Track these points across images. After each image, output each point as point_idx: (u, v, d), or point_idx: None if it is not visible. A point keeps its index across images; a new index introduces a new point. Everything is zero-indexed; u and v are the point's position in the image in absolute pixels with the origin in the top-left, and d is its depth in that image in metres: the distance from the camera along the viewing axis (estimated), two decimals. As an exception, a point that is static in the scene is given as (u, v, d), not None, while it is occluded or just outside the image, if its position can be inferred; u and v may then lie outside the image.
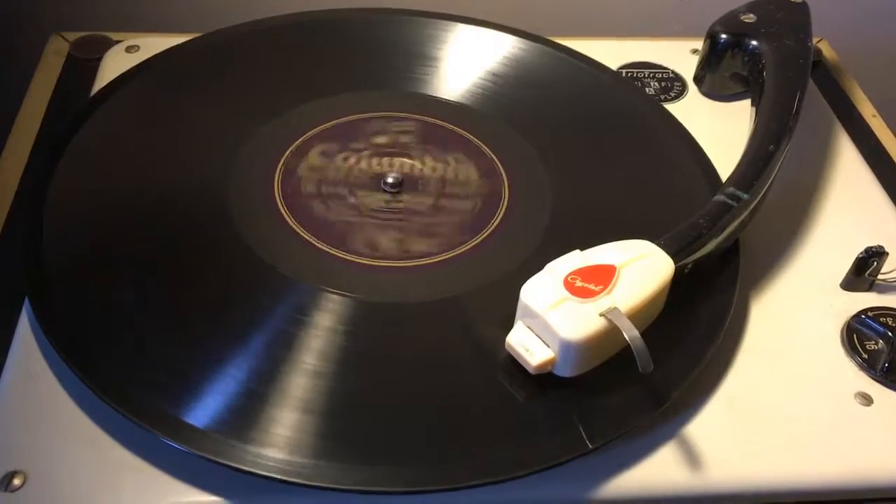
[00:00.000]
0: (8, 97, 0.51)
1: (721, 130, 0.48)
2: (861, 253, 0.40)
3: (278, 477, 0.30)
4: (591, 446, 0.32)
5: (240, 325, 0.35)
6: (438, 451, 0.32)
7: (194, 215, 0.40)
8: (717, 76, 0.51)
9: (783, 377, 0.37)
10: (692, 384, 0.35)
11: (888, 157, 0.50)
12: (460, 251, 0.39)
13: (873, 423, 0.36)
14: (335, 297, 0.36)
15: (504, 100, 0.47)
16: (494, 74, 0.49)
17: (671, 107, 0.50)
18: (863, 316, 0.39)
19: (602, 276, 0.33)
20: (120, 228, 0.39)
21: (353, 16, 0.52)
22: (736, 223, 0.38)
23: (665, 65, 0.54)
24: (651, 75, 0.53)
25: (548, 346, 0.33)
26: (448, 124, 0.46)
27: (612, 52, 0.53)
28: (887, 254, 0.40)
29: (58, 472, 0.32)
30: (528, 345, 0.33)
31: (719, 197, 0.38)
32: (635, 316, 0.32)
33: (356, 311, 0.36)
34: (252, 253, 0.38)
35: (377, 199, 0.42)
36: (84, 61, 0.52)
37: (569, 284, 0.33)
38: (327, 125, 0.45)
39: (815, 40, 0.55)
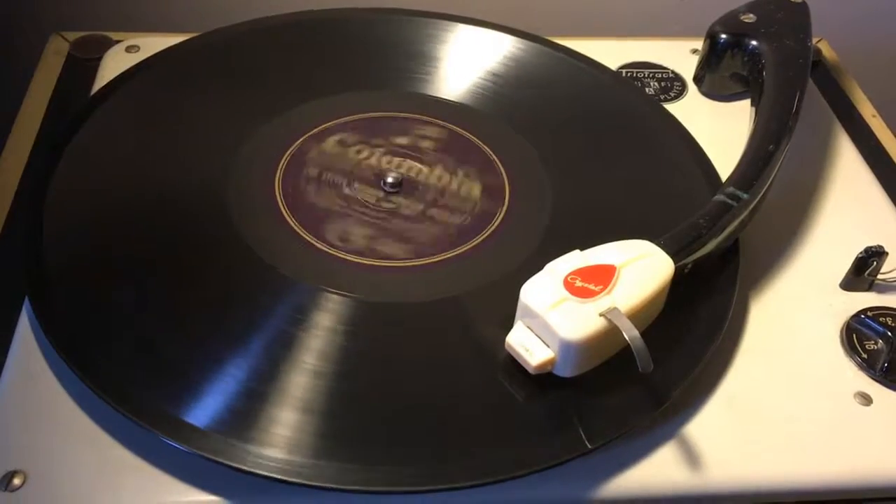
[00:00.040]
0: (8, 97, 0.51)
1: (721, 130, 0.48)
2: (861, 253, 0.40)
3: (278, 477, 0.30)
4: (590, 446, 0.32)
5: (240, 325, 0.35)
6: (438, 451, 0.32)
7: (194, 215, 0.40)
8: (717, 76, 0.51)
9: (783, 377, 0.37)
10: (692, 384, 0.35)
11: (888, 158, 0.50)
12: (460, 251, 0.39)
13: (873, 423, 0.36)
14: (335, 296, 0.36)
15: (504, 100, 0.48)
16: (494, 74, 0.49)
17: (671, 107, 0.50)
18: (862, 316, 0.39)
19: (602, 276, 0.33)
20: (120, 228, 0.39)
21: (353, 15, 0.52)
22: (736, 223, 0.38)
23: (665, 65, 0.54)
24: (651, 75, 0.53)
25: (548, 346, 0.33)
26: (448, 124, 0.46)
27: (611, 52, 0.53)
28: (887, 254, 0.40)
29: (58, 471, 0.32)
30: (528, 345, 0.33)
31: (719, 197, 0.38)
32: (635, 316, 0.32)
33: (356, 311, 0.36)
34: (252, 253, 0.38)
35: (371, 195, 0.42)
36: (84, 61, 0.52)
37: (569, 284, 0.33)
38: (358, 117, 0.45)
39: (814, 40, 0.55)
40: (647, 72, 0.53)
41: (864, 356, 0.38)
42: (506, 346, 0.34)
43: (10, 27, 0.65)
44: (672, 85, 0.53)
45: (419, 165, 0.43)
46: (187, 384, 0.33)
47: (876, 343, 0.38)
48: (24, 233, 0.38)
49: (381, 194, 0.42)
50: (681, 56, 0.55)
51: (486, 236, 0.40)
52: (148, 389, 0.33)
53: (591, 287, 0.33)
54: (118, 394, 0.32)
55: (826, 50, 0.58)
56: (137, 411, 0.32)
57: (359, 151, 0.44)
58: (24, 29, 0.64)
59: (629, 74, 0.53)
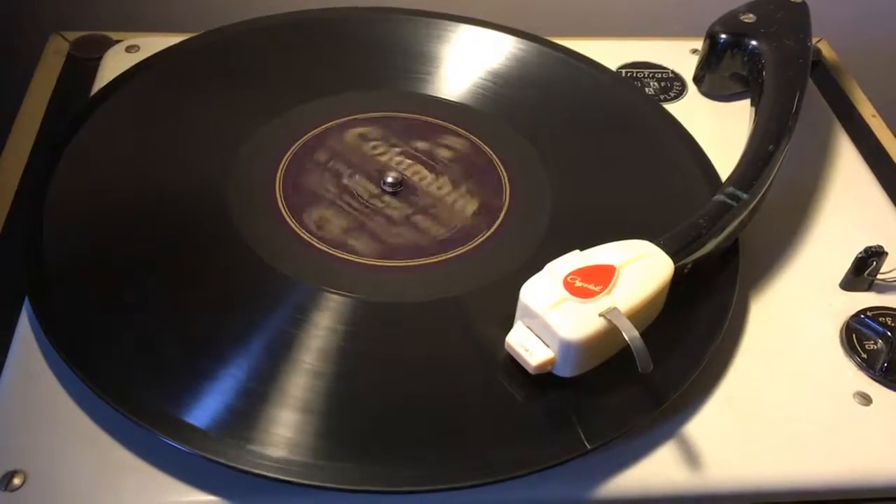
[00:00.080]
0: (8, 97, 0.51)
1: (721, 130, 0.48)
2: (860, 253, 0.40)
3: (278, 477, 0.30)
4: (590, 446, 0.32)
5: (240, 325, 0.35)
6: (438, 451, 0.32)
7: (194, 215, 0.40)
8: (717, 76, 0.51)
9: (782, 377, 0.37)
10: (691, 384, 0.35)
11: (888, 158, 0.50)
12: (460, 251, 0.39)
13: (872, 423, 0.36)
14: (335, 296, 0.36)
15: (504, 100, 0.48)
16: (494, 74, 0.49)
17: (671, 107, 0.50)
18: (862, 316, 0.39)
19: (602, 277, 0.33)
20: (120, 228, 0.39)
21: (352, 15, 0.52)
22: (735, 223, 0.38)
23: (665, 65, 0.54)
24: (651, 75, 0.53)
25: (547, 346, 0.33)
26: (449, 124, 0.46)
27: (611, 52, 0.53)
28: (886, 254, 0.40)
29: (58, 471, 0.32)
30: (528, 345, 0.33)
31: (719, 197, 0.38)
32: (635, 316, 0.33)
33: (356, 311, 0.36)
34: (252, 253, 0.38)
35: (365, 190, 0.42)
36: (84, 61, 0.52)
37: (568, 284, 0.33)
38: (387, 115, 0.46)
39: (814, 40, 0.55)
40: (646, 72, 0.53)
41: (864, 356, 0.38)
42: (505, 346, 0.34)
43: (10, 27, 0.65)
44: (672, 85, 0.53)
45: (427, 172, 0.43)
46: (187, 384, 0.33)
47: (875, 343, 0.38)
48: (24, 233, 0.38)
49: (377, 191, 0.42)
50: (681, 56, 0.55)
51: (487, 237, 0.40)
52: (148, 389, 0.33)
53: (591, 287, 0.33)
54: (118, 394, 0.32)
55: (826, 50, 0.58)
56: (137, 411, 0.32)
57: (375, 147, 0.44)
58: (24, 29, 0.64)
59: (629, 74, 0.53)
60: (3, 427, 0.33)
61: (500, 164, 0.44)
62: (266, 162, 0.43)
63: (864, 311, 0.40)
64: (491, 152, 0.44)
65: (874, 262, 0.40)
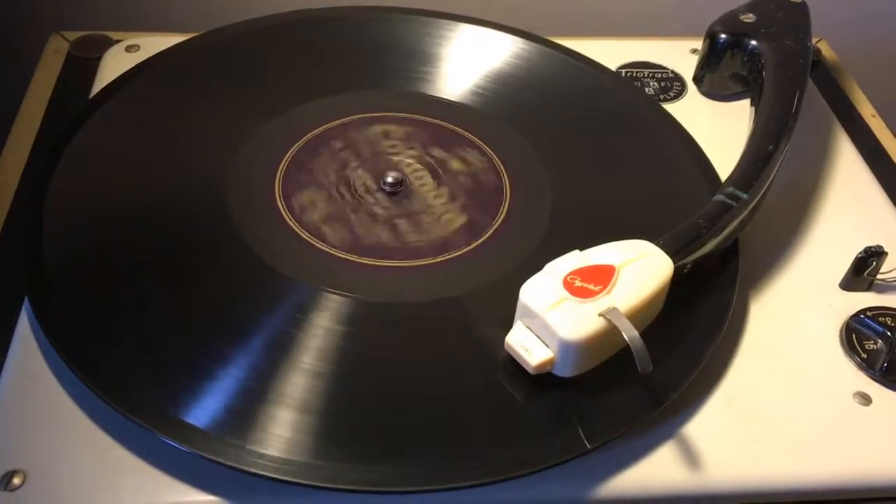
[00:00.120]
0: (8, 96, 0.51)
1: (720, 130, 0.48)
2: (860, 253, 0.40)
3: (277, 477, 0.30)
4: (589, 446, 0.32)
5: (239, 325, 0.35)
6: (437, 451, 0.32)
7: (194, 215, 0.40)
8: (717, 76, 0.51)
9: (782, 377, 0.37)
10: (691, 384, 0.35)
11: (887, 157, 0.50)
12: (461, 251, 0.39)
13: (872, 423, 0.36)
14: (335, 297, 0.36)
15: (504, 100, 0.48)
16: (494, 74, 0.49)
17: (670, 107, 0.50)
18: (862, 316, 0.39)
19: (601, 276, 0.33)
20: (120, 228, 0.39)
21: (352, 14, 0.52)
22: (735, 223, 0.38)
23: (664, 64, 0.54)
24: (650, 75, 0.53)
25: (547, 346, 0.33)
26: (449, 124, 0.46)
27: (611, 52, 0.53)
28: (886, 254, 0.40)
29: (57, 471, 0.32)
30: (528, 345, 0.33)
31: (718, 197, 0.38)
32: (634, 316, 0.33)
33: (356, 311, 0.36)
34: (252, 253, 0.38)
35: (362, 183, 0.42)
36: (84, 60, 0.52)
37: (568, 284, 0.33)
38: (422, 118, 0.46)
39: (814, 40, 0.55)
40: (646, 72, 0.53)
41: (864, 356, 0.38)
42: (505, 346, 0.34)
43: (10, 27, 0.65)
44: (672, 85, 0.53)
45: (431, 180, 0.43)
46: (187, 384, 0.33)
47: (875, 343, 0.38)
48: (24, 233, 0.38)
49: (374, 187, 0.42)
50: (680, 56, 0.55)
51: (487, 237, 0.40)
52: (147, 389, 0.33)
53: (591, 287, 0.33)
54: (118, 394, 0.32)
55: (826, 50, 0.58)
56: (137, 411, 0.32)
57: (392, 146, 0.44)
58: (24, 29, 0.64)
59: (629, 74, 0.53)
60: (3, 427, 0.33)
61: (500, 164, 0.44)
62: (266, 162, 0.43)
63: (863, 311, 0.40)
64: (491, 152, 0.44)
65: (874, 262, 0.40)
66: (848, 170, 0.48)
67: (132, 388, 0.32)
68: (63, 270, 0.37)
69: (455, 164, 0.43)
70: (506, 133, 0.46)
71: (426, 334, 0.36)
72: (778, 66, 0.46)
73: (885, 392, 0.37)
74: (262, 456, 0.31)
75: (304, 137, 0.44)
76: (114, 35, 0.53)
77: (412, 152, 0.44)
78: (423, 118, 0.46)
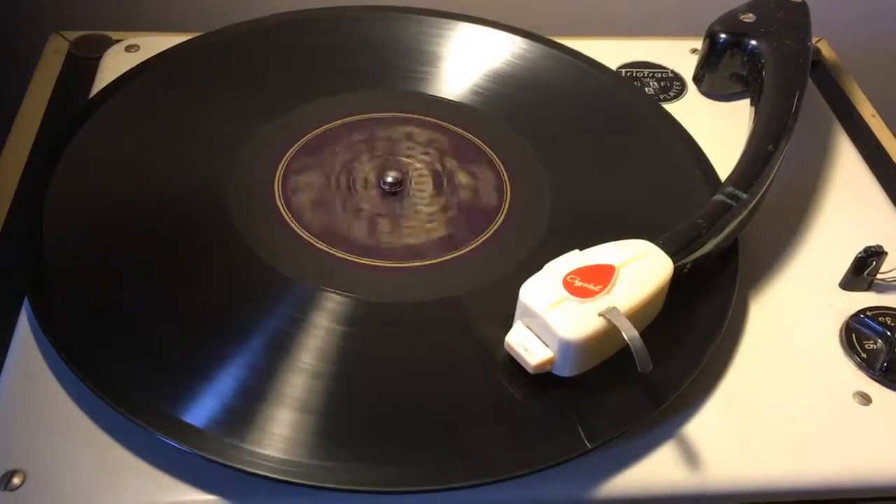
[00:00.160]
0: (8, 96, 0.51)
1: (720, 130, 0.48)
2: (860, 252, 0.40)
3: (277, 477, 0.30)
4: (590, 446, 0.32)
5: (239, 325, 0.35)
6: (437, 451, 0.32)
7: (194, 215, 0.40)
8: (717, 76, 0.51)
9: (782, 377, 0.37)
10: (691, 384, 0.35)
11: (887, 157, 0.50)
12: (461, 252, 0.39)
13: (872, 423, 0.36)
14: (334, 296, 0.36)
15: (504, 99, 0.48)
16: (494, 74, 0.49)
17: (670, 106, 0.50)
18: (861, 315, 0.39)
19: (601, 276, 0.33)
20: (120, 228, 0.39)
21: (352, 14, 0.52)
22: (735, 223, 0.38)
23: (664, 64, 0.54)
24: (650, 75, 0.53)
25: (547, 345, 0.33)
26: (448, 125, 0.46)
27: (611, 52, 0.53)
28: (886, 253, 0.40)
29: (57, 471, 0.32)
30: (528, 344, 0.33)
31: (718, 197, 0.38)
32: (634, 316, 0.33)
33: (355, 311, 0.36)
34: (252, 253, 0.38)
35: (363, 177, 0.42)
36: (84, 60, 0.52)
37: (568, 284, 0.33)
38: (453, 128, 0.46)
39: (814, 40, 0.55)
40: (646, 71, 0.53)
41: (864, 356, 0.38)
42: (505, 345, 0.34)
43: (10, 27, 0.65)
44: (671, 85, 0.53)
45: (431, 188, 0.42)
46: (186, 384, 0.33)
47: (875, 343, 0.38)
48: (24, 233, 0.38)
49: (373, 182, 0.42)
50: (680, 56, 0.55)
51: (488, 237, 0.40)
52: (147, 389, 0.33)
53: (591, 287, 0.33)
54: (117, 393, 0.32)
55: (826, 50, 0.58)
56: (136, 411, 0.32)
57: (410, 147, 0.44)
58: (24, 29, 0.64)
59: (629, 74, 0.53)
60: (3, 427, 0.33)
61: (500, 164, 0.44)
62: (266, 162, 0.43)
63: (863, 310, 0.40)
64: (491, 152, 0.44)
65: (874, 262, 0.40)
66: (848, 170, 0.48)
67: (132, 388, 0.32)
68: (63, 270, 0.37)
69: (462, 178, 0.43)
70: (506, 133, 0.46)
71: (426, 334, 0.36)
72: (778, 66, 0.46)
73: (884, 392, 0.37)
74: (262, 456, 0.31)
75: (305, 137, 0.44)
76: (114, 35, 0.53)
77: (426, 158, 0.44)
78: (422, 118, 0.46)
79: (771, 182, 0.40)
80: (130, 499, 0.31)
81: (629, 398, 0.34)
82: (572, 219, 0.41)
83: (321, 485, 0.30)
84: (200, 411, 0.32)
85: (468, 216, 0.41)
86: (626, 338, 0.31)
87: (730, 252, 0.39)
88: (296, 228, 0.39)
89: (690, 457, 0.34)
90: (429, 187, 0.42)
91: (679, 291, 0.36)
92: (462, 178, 0.42)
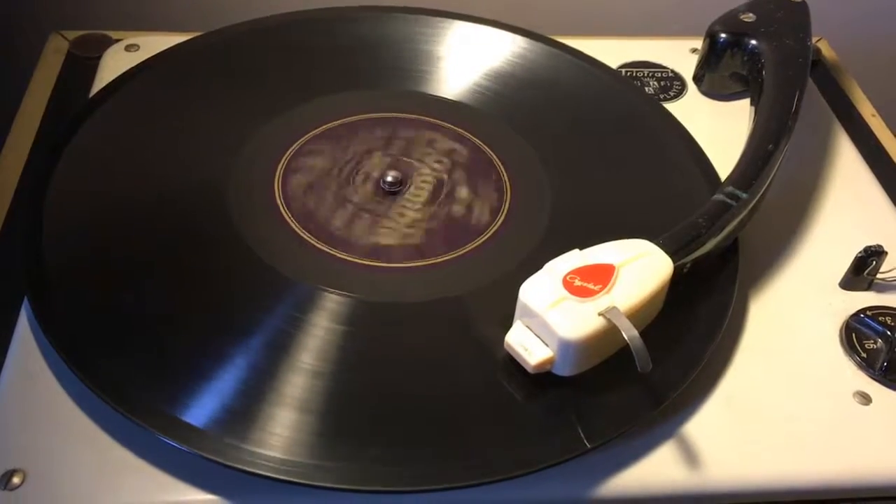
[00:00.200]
0: (8, 95, 0.51)
1: (720, 130, 0.48)
2: (860, 252, 0.40)
3: (277, 476, 0.30)
4: (589, 446, 0.32)
5: (239, 325, 0.35)
6: (437, 451, 0.32)
7: (194, 215, 0.40)
8: (717, 75, 0.51)
9: (782, 376, 0.37)
10: (691, 384, 0.35)
11: (887, 157, 0.50)
12: (461, 252, 0.39)
13: (872, 422, 0.36)
14: (334, 296, 0.36)
15: (504, 99, 0.48)
16: (494, 73, 0.49)
17: (670, 106, 0.50)
18: (861, 315, 0.39)
19: (601, 276, 0.33)
20: (120, 228, 0.39)
21: (352, 14, 0.52)
22: (735, 222, 0.38)
23: (664, 64, 0.54)
24: (650, 74, 0.53)
25: (546, 345, 0.33)
26: (448, 124, 0.46)
27: (611, 51, 0.53)
28: (886, 253, 0.40)
29: (57, 470, 0.32)
30: (527, 344, 0.33)
31: (718, 196, 0.38)
32: (634, 315, 0.32)
33: (355, 311, 0.36)
34: (252, 253, 0.38)
35: (366, 172, 0.42)
36: (84, 59, 0.52)
37: (568, 284, 0.33)
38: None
39: (814, 40, 0.55)
40: (646, 71, 0.53)
41: (864, 355, 0.38)
42: (505, 345, 0.34)
43: (10, 27, 0.65)
44: (672, 84, 0.53)
45: (427, 194, 0.42)
46: (186, 384, 0.33)
47: (875, 342, 0.38)
48: (23, 232, 0.38)
49: (374, 178, 0.42)
50: (680, 55, 0.55)
51: (488, 237, 0.40)
52: (147, 389, 0.33)
53: (591, 286, 0.33)
54: (117, 393, 0.32)
55: (826, 49, 0.58)
56: (136, 411, 0.32)
57: (427, 154, 0.44)
58: (24, 28, 0.64)
59: (629, 74, 0.53)
60: (3, 426, 0.33)
61: (500, 164, 0.44)
62: (266, 162, 0.43)
63: (863, 310, 0.40)
64: (491, 152, 0.44)
65: (874, 262, 0.40)
66: (848, 169, 0.48)
67: (132, 388, 0.32)
68: (63, 270, 0.37)
69: (462, 194, 0.42)
70: (506, 133, 0.46)
71: (426, 334, 0.36)
72: (778, 66, 0.46)
73: (884, 391, 0.37)
74: (262, 456, 0.31)
75: (304, 137, 0.44)
76: (113, 34, 0.53)
77: (438, 165, 0.43)
78: (422, 118, 0.46)
79: (771, 182, 0.40)
80: (130, 498, 0.31)
81: (629, 398, 0.34)
82: (572, 219, 0.41)
83: (321, 484, 0.30)
84: (200, 411, 0.32)
85: (448, 232, 0.40)
86: (625, 337, 0.31)
87: (730, 252, 0.39)
88: (296, 228, 0.39)
89: (690, 456, 0.34)
90: (425, 195, 0.42)
91: (679, 291, 0.36)
92: (462, 193, 0.42)
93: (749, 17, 0.50)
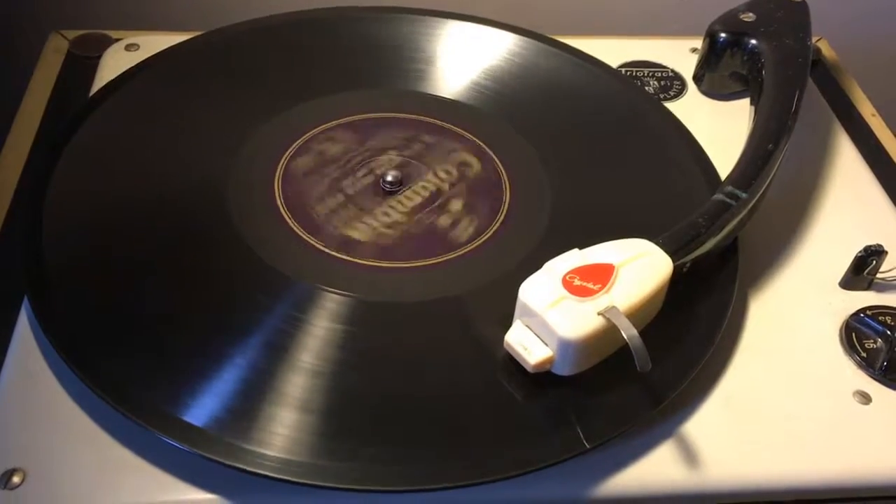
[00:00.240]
0: (8, 95, 0.51)
1: (720, 129, 0.48)
2: (860, 252, 0.40)
3: (277, 476, 0.30)
4: (588, 445, 0.32)
5: (239, 325, 0.35)
6: (436, 450, 0.32)
7: (194, 215, 0.40)
8: (717, 75, 0.51)
9: (782, 375, 0.37)
10: (690, 383, 0.35)
11: (887, 157, 0.50)
12: (461, 252, 0.39)
13: (872, 422, 0.36)
14: (334, 296, 0.36)
15: (504, 99, 0.48)
16: (495, 73, 0.49)
17: (670, 106, 0.50)
18: (861, 315, 0.39)
19: (601, 275, 0.33)
20: (120, 228, 0.39)
21: (352, 14, 0.52)
22: (735, 222, 0.38)
23: (664, 63, 0.54)
24: (650, 74, 0.53)
25: (546, 344, 0.33)
26: (448, 124, 0.46)
27: (611, 51, 0.53)
28: (886, 252, 0.40)
29: (57, 470, 0.32)
30: (527, 343, 0.33)
31: (718, 196, 0.38)
32: (634, 315, 0.32)
33: (355, 311, 0.36)
34: (252, 253, 0.38)
35: (370, 168, 0.43)
36: (83, 59, 0.52)
37: (567, 283, 0.33)
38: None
39: (814, 39, 0.55)
40: (646, 70, 0.53)
41: (864, 355, 0.38)
42: (504, 344, 0.34)
43: (10, 27, 0.65)
44: (672, 84, 0.53)
45: (422, 198, 0.42)
46: (186, 383, 0.33)
47: (875, 342, 0.38)
48: (23, 232, 0.38)
49: (375, 174, 0.42)
50: (680, 55, 0.55)
51: (488, 237, 0.40)
52: (147, 388, 0.33)
53: (590, 286, 0.33)
54: (117, 393, 0.32)
55: (825, 49, 0.58)
56: (136, 410, 0.32)
57: (439, 160, 0.44)
58: (23, 28, 0.64)
59: (629, 73, 0.53)
60: (3, 426, 0.33)
61: (500, 164, 0.44)
62: (266, 162, 0.43)
63: (863, 309, 0.40)
64: (491, 152, 0.44)
65: (874, 261, 0.40)
66: (848, 169, 0.48)
67: (132, 388, 0.32)
68: (63, 270, 0.37)
69: (454, 207, 0.41)
70: (506, 133, 0.46)
71: (426, 333, 0.36)
72: (778, 66, 0.46)
73: (884, 391, 0.37)
74: (262, 455, 0.31)
75: (304, 137, 0.44)
76: (113, 34, 0.53)
77: (445, 173, 0.43)
78: (421, 118, 0.46)
79: (771, 181, 0.40)
80: (130, 498, 0.31)
81: (628, 397, 0.34)
82: (572, 218, 0.41)
83: (321, 484, 0.30)
84: (201, 410, 0.32)
85: (422, 241, 0.40)
86: (625, 337, 0.31)
87: (729, 251, 0.39)
88: (295, 228, 0.39)
89: (689, 456, 0.34)
90: (418, 200, 0.42)
91: (679, 290, 0.36)
92: (455, 206, 0.41)
93: (749, 17, 0.50)
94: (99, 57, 0.51)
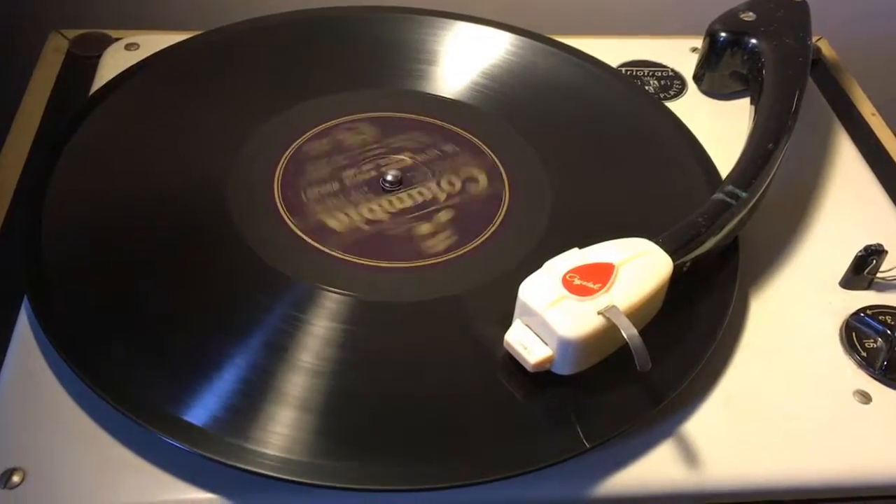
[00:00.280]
0: (8, 94, 0.51)
1: (720, 129, 0.48)
2: (860, 251, 0.40)
3: (276, 475, 0.30)
4: (588, 445, 0.32)
5: (239, 324, 0.35)
6: (436, 450, 0.32)
7: (194, 214, 0.40)
8: (717, 74, 0.51)
9: (782, 375, 0.37)
10: (690, 382, 0.35)
11: (887, 156, 0.50)
12: (461, 251, 0.39)
13: (872, 421, 0.36)
14: (334, 296, 0.36)
15: (504, 98, 0.47)
16: (494, 73, 0.49)
17: (671, 105, 0.50)
18: (862, 314, 0.39)
19: (600, 275, 0.33)
20: (120, 227, 0.39)
21: (353, 14, 0.52)
22: (735, 221, 0.38)
23: (665, 63, 0.54)
24: (651, 73, 0.53)
25: (546, 344, 0.33)
26: (448, 124, 0.46)
27: (611, 50, 0.53)
28: (886, 252, 0.40)
29: (57, 469, 0.32)
30: (527, 343, 0.33)
31: (718, 195, 0.38)
32: (634, 314, 0.32)
33: (355, 311, 0.36)
34: (252, 253, 0.38)
35: (376, 164, 0.43)
36: (83, 58, 0.52)
37: (567, 282, 0.33)
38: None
39: (814, 39, 0.55)
40: (646, 70, 0.53)
41: (864, 354, 0.38)
42: (504, 344, 0.34)
43: (10, 26, 0.65)
44: (672, 83, 0.53)
45: (407, 204, 0.42)
46: (186, 383, 0.33)
47: (875, 341, 0.38)
48: (23, 231, 0.38)
49: (375, 173, 0.42)
50: (680, 54, 0.55)
51: (487, 237, 0.40)
52: (147, 388, 0.33)
53: (590, 285, 0.33)
54: (117, 392, 0.32)
55: (826, 48, 0.58)
56: (136, 410, 0.32)
57: (446, 166, 0.44)
58: (23, 28, 0.64)
59: (629, 73, 0.53)
60: (3, 425, 0.33)
61: (500, 163, 0.44)
62: (266, 162, 0.43)
63: (863, 309, 0.40)
64: (491, 152, 0.44)
65: (874, 261, 0.40)
66: (848, 168, 0.48)
67: (132, 388, 0.32)
68: (63, 269, 0.37)
69: (442, 217, 0.41)
70: (506, 133, 0.46)
71: (425, 333, 0.36)
72: (778, 65, 0.46)
73: (884, 390, 0.37)
74: (262, 455, 0.31)
75: (304, 136, 0.44)
76: (113, 33, 0.53)
77: (448, 179, 0.43)
78: (421, 118, 0.46)
79: (771, 180, 0.40)
80: (130, 497, 0.31)
81: (628, 397, 0.34)
82: (572, 218, 0.41)
83: (321, 483, 0.30)
84: (201, 410, 0.32)
85: (392, 243, 0.39)
86: (625, 336, 0.31)
87: (730, 250, 0.39)
88: (295, 228, 0.39)
89: (689, 455, 0.34)
90: (408, 204, 0.42)
91: (679, 290, 0.36)
92: (441, 218, 0.41)
93: (749, 16, 0.50)
94: (99, 56, 0.51)
